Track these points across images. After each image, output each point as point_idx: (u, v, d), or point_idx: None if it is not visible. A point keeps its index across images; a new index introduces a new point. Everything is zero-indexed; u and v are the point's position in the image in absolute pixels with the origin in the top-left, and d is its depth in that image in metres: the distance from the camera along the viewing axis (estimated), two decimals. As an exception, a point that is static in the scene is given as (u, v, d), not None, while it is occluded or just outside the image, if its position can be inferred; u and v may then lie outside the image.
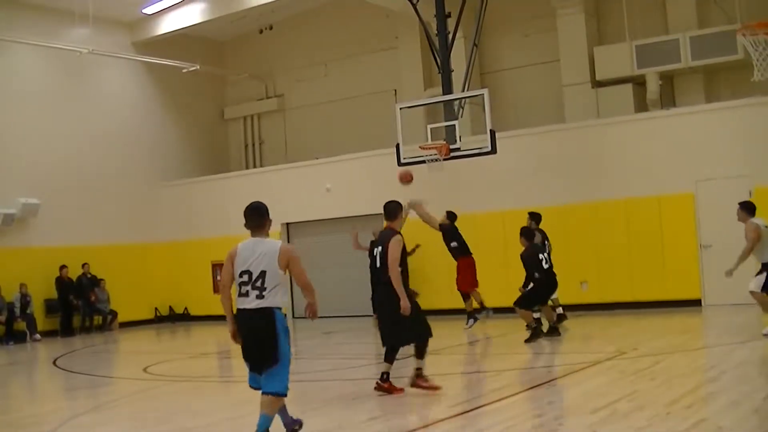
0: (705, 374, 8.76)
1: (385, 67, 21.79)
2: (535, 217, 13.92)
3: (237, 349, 6.37)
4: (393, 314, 8.06)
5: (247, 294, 6.16)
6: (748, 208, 11.20)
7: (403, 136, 16.10)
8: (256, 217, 6.35)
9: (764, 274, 10.89)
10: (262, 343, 6.15)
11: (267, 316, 6.14)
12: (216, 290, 21.96)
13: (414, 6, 16.76)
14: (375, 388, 8.23)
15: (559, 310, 13.72)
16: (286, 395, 6.25)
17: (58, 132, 20.41)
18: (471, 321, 14.74)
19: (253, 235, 6.33)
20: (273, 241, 6.32)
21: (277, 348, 6.14)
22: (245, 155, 24.54)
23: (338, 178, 20.09)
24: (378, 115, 20.93)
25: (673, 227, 16.16)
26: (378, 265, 8.25)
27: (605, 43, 18.97)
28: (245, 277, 6.17)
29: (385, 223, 8.49)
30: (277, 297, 6.17)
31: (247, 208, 6.42)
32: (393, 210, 8.44)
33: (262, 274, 6.14)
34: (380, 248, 8.23)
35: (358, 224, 17.57)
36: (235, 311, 6.28)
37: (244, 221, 6.37)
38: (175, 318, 22.24)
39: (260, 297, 6.12)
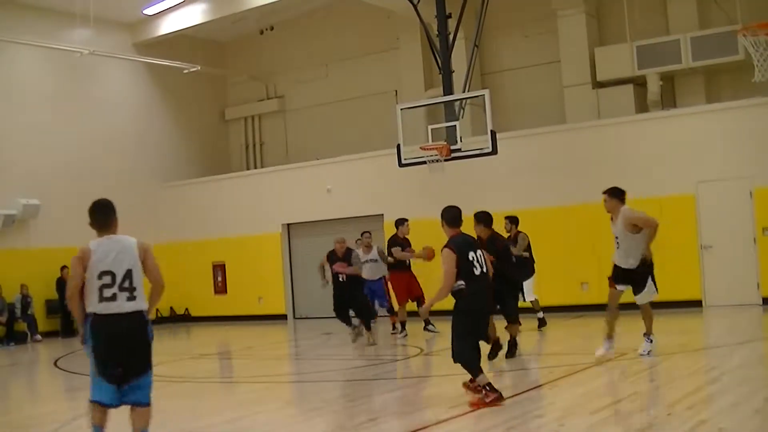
0: (706, 375, 8.75)
1: (386, 68, 21.77)
2: (513, 220, 13.64)
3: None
4: None
5: (114, 297, 5.68)
6: (617, 195, 9.52)
7: (403, 137, 16.09)
8: (103, 214, 5.96)
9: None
10: (137, 349, 5.76)
11: (141, 320, 5.78)
12: (218, 291, 22.01)
13: (415, 7, 16.75)
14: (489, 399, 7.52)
15: (540, 314, 13.86)
16: (150, 404, 5.89)
17: (59, 133, 20.41)
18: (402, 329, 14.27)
19: (101, 234, 5.91)
20: (126, 237, 5.93)
21: (150, 354, 5.83)
22: (246, 156, 24.53)
23: (339, 179, 20.08)
24: (379, 115, 20.91)
25: (673, 228, 16.08)
26: (485, 269, 7.84)
27: (606, 43, 18.95)
28: (107, 279, 5.69)
29: (450, 232, 8.02)
30: (144, 297, 5.82)
31: (93, 204, 6.01)
32: (459, 216, 8.02)
33: (128, 273, 5.74)
34: (480, 252, 7.90)
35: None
36: (93, 315, 5.71)
37: (89, 220, 5.98)
38: (175, 319, 22.23)
39: (132, 299, 5.73)
